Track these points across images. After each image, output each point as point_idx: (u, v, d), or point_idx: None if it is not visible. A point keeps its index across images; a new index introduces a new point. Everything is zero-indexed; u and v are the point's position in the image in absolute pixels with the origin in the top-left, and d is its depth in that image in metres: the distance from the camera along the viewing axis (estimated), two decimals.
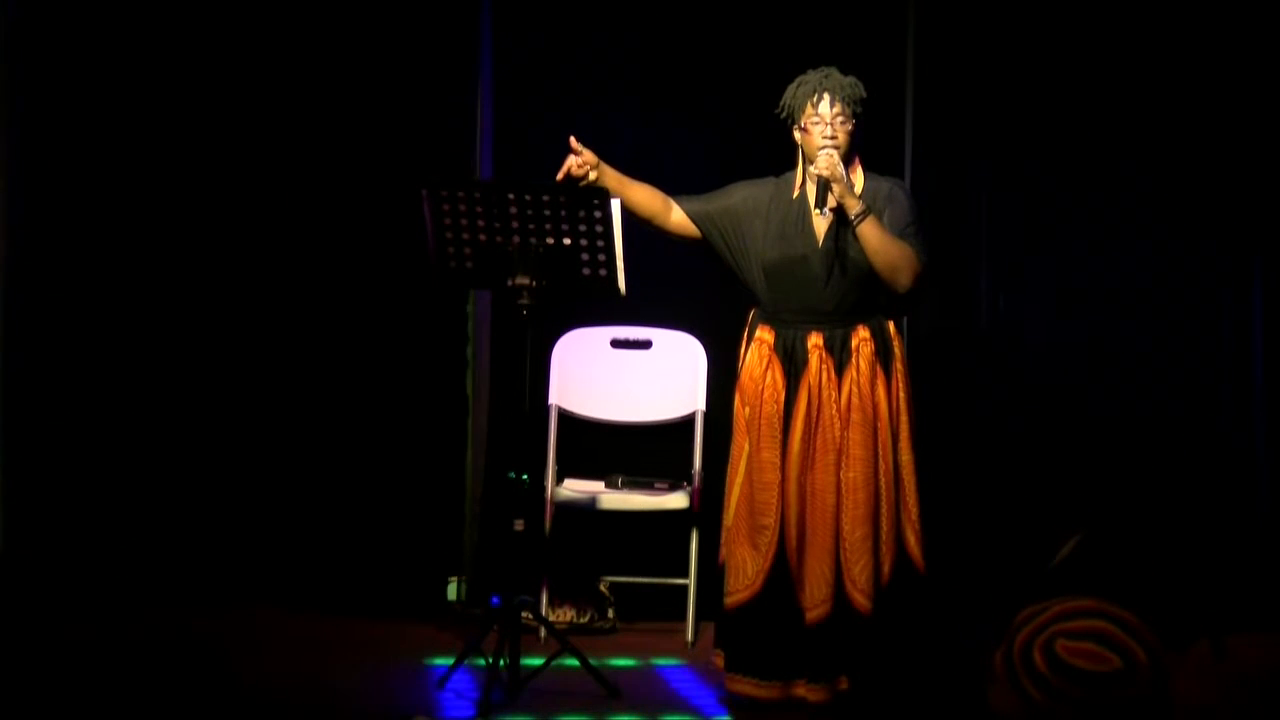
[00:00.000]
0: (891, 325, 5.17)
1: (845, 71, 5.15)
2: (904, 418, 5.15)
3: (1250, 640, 5.97)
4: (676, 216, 5.27)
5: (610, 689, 5.27)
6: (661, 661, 5.80)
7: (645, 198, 5.27)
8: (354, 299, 6.43)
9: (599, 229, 5.19)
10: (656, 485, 6.16)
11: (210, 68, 6.39)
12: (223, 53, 6.38)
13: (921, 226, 5.14)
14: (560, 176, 5.14)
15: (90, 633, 5.85)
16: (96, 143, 6.38)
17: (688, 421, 6.19)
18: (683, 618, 6.04)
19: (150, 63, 6.38)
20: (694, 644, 6.00)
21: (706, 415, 6.15)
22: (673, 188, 6.07)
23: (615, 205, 5.19)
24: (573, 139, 5.15)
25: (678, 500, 6.09)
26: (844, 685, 5.08)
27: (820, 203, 5.06)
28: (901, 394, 5.15)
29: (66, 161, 6.38)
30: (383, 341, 6.44)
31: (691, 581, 6.03)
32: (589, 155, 5.16)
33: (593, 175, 5.17)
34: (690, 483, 6.10)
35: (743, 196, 5.24)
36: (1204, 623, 6.01)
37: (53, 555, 6.32)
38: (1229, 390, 6.41)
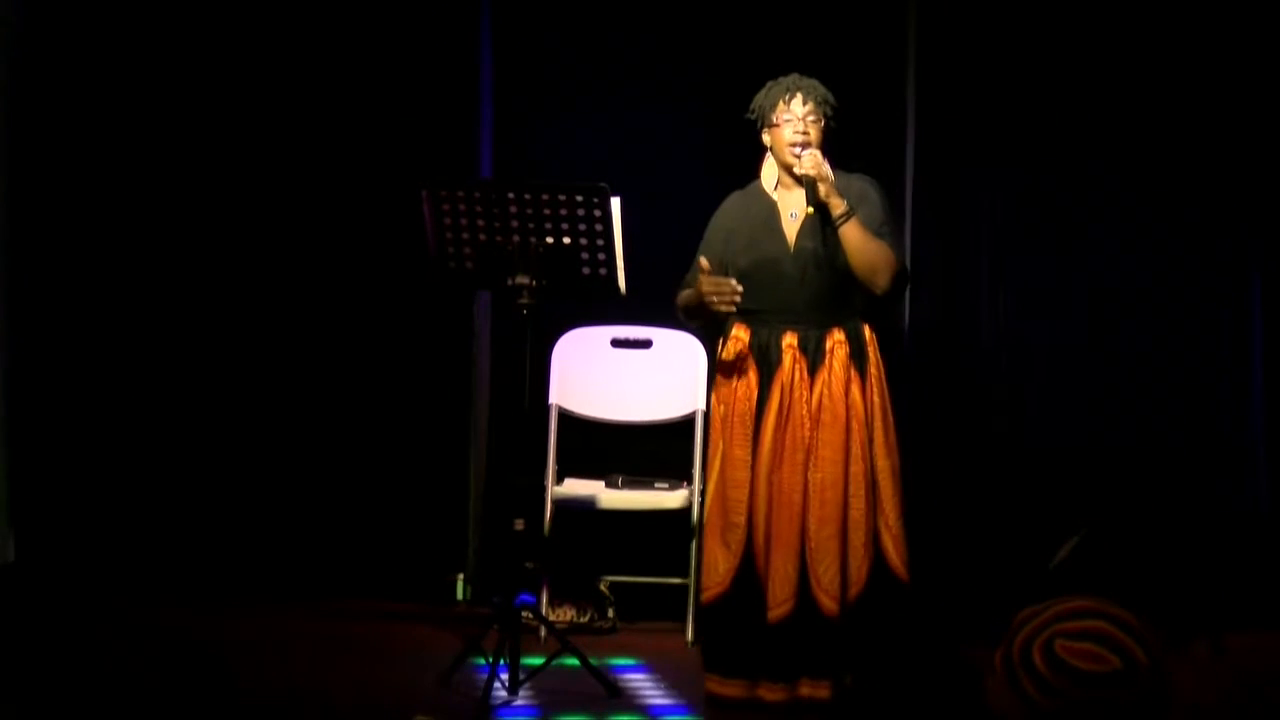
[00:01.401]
0: (867, 329, 5.17)
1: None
2: (879, 422, 5.13)
3: (1250, 640, 5.98)
4: None
5: (610, 688, 5.27)
6: (661, 661, 5.80)
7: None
8: (357, 299, 6.43)
9: (599, 228, 5.19)
10: (656, 485, 6.16)
11: (211, 68, 6.40)
12: (223, 53, 6.39)
13: (895, 225, 5.17)
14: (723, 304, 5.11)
15: (97, 632, 5.85)
16: (98, 143, 6.38)
17: (688, 421, 6.18)
18: (683, 617, 6.03)
19: (151, 62, 6.38)
20: (694, 643, 5.99)
21: (706, 415, 6.14)
22: (671, 185, 6.09)
23: (615, 204, 5.19)
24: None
25: (678, 499, 6.09)
26: (804, 688, 5.07)
27: (811, 201, 5.07)
28: (876, 398, 5.14)
29: (68, 163, 6.37)
30: (387, 341, 6.44)
31: (691, 581, 6.02)
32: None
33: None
34: (690, 482, 6.10)
35: (721, 234, 5.25)
36: (1204, 622, 6.02)
37: (56, 556, 6.32)
38: (1228, 390, 6.40)
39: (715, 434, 5.22)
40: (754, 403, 5.13)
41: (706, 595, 5.16)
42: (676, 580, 6.09)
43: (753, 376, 5.15)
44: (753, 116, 5.19)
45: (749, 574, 5.09)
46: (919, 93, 6.41)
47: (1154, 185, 6.37)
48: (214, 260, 6.44)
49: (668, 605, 6.14)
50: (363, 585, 6.38)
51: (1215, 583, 6.30)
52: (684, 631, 6.03)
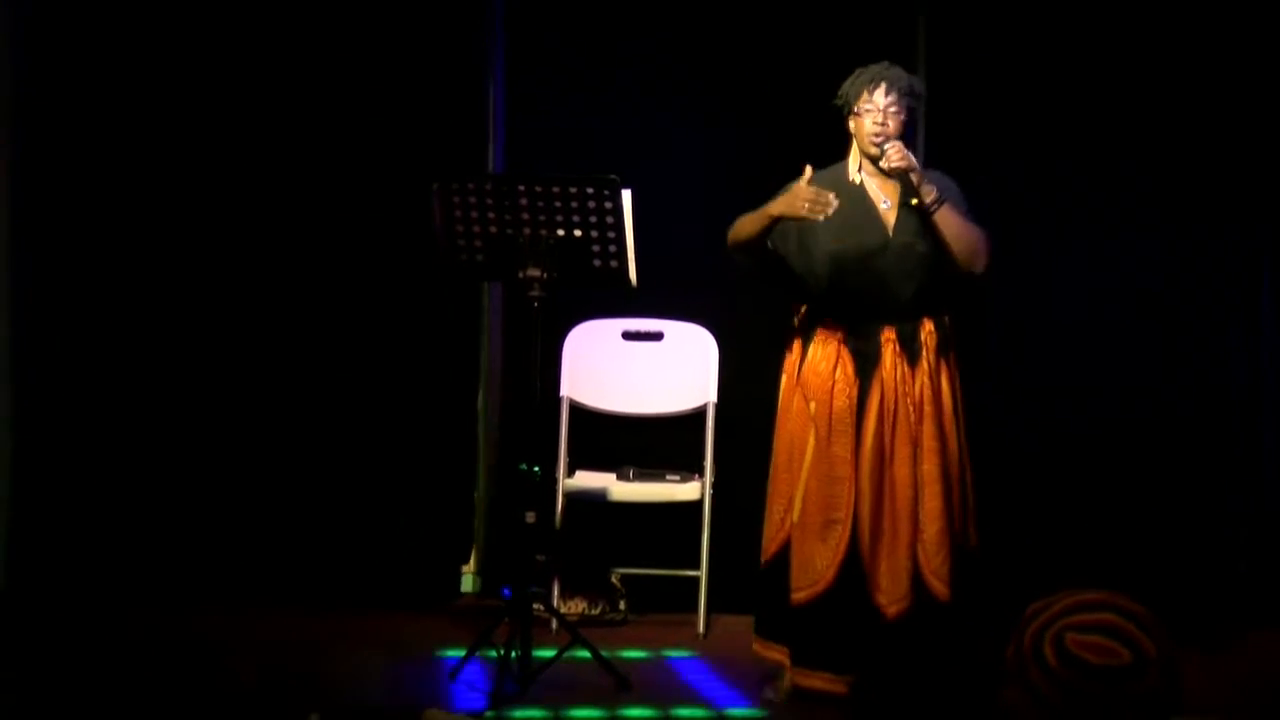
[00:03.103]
0: (948, 318, 5.18)
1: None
2: (960, 409, 5.17)
3: (1261, 637, 5.98)
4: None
5: (621, 681, 5.27)
6: (673, 653, 5.80)
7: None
8: (365, 293, 6.41)
9: (610, 220, 5.18)
10: (668, 477, 6.16)
11: (223, 63, 6.37)
12: (234, 48, 6.37)
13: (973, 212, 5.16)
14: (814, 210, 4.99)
15: (98, 630, 5.86)
16: (105, 141, 6.34)
17: (699, 413, 6.18)
18: (694, 609, 6.03)
19: (160, 59, 6.35)
20: (705, 636, 6.00)
21: (718, 407, 6.14)
22: (682, 177, 6.07)
23: (626, 196, 5.18)
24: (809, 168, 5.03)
25: (689, 492, 6.09)
26: None
27: (911, 193, 5.05)
28: (957, 385, 5.17)
29: (73, 158, 6.34)
30: (395, 335, 6.42)
31: (703, 573, 6.02)
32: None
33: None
34: (702, 474, 6.09)
35: None
36: (1214, 618, 6.01)
37: (54, 555, 6.29)
38: (1239, 388, 6.39)
39: (800, 430, 5.15)
40: (854, 399, 5.10)
41: (803, 594, 5.10)
42: (688, 572, 6.09)
43: (850, 373, 5.12)
44: (839, 103, 5.15)
45: (853, 570, 5.08)
46: (928, 91, 6.38)
47: (1163, 181, 6.35)
48: (222, 254, 6.41)
49: (679, 597, 6.13)
50: (373, 579, 6.37)
51: (1226, 579, 6.29)
52: (695, 623, 6.03)
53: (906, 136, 5.12)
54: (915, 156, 5.19)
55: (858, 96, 5.11)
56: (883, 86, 5.08)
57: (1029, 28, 6.33)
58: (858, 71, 5.16)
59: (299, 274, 6.40)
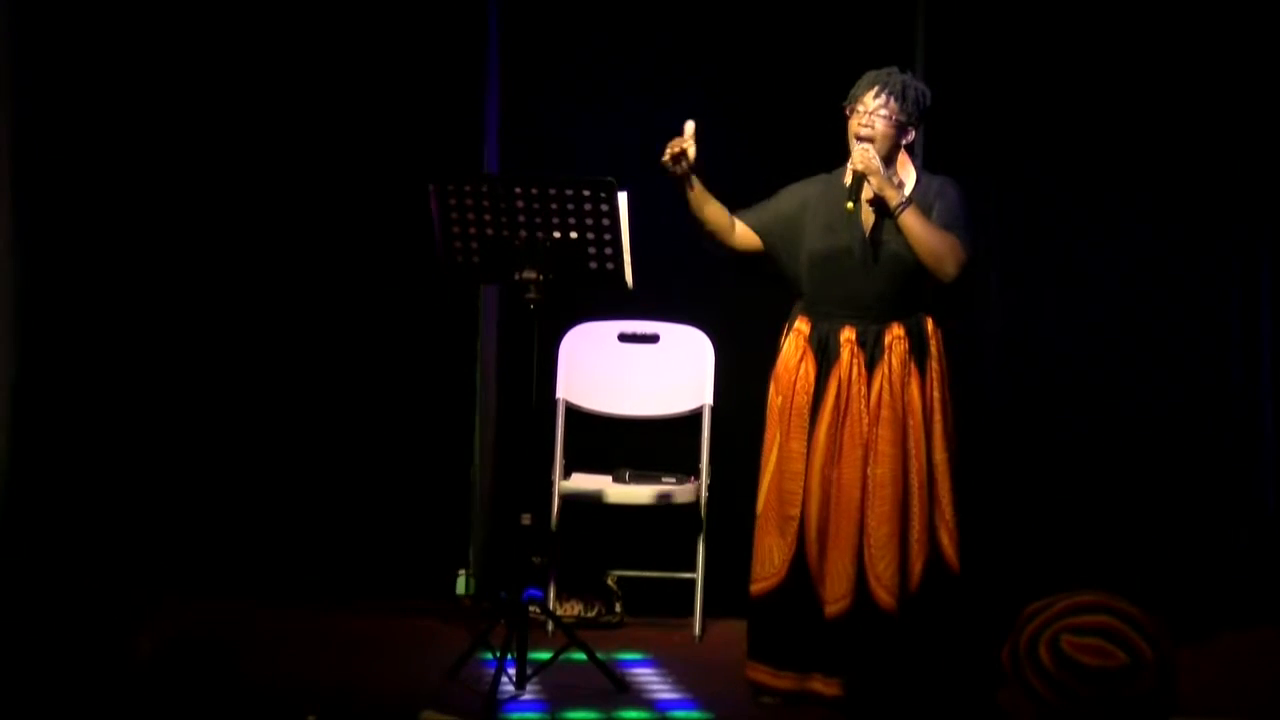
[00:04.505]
0: (930, 322, 5.16)
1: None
2: (938, 416, 5.14)
3: (1260, 636, 5.98)
4: (740, 231, 5.24)
5: (618, 683, 5.27)
6: (669, 656, 5.79)
7: (716, 214, 5.22)
8: (361, 294, 6.41)
9: (606, 222, 5.18)
10: (664, 479, 6.15)
11: (218, 64, 6.36)
12: (230, 49, 6.36)
13: (971, 221, 5.14)
14: (669, 156, 5.07)
15: (100, 631, 5.83)
16: (103, 142, 6.32)
17: (695, 416, 6.17)
18: (690, 612, 6.03)
19: (157, 59, 6.35)
20: (701, 638, 5.99)
21: (714, 409, 6.14)
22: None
23: (622, 198, 5.18)
24: (690, 123, 5.07)
25: (685, 494, 6.08)
26: None
27: (852, 195, 5.06)
28: (935, 392, 5.14)
29: (70, 157, 6.33)
30: (391, 337, 6.42)
31: (699, 576, 6.02)
32: (692, 148, 5.08)
33: (684, 166, 5.09)
34: (698, 477, 6.09)
35: (794, 199, 5.23)
36: (1214, 618, 6.01)
37: (62, 553, 6.29)
38: (1238, 386, 6.38)
39: (772, 425, 5.21)
40: (811, 396, 5.13)
41: (760, 587, 5.16)
42: (684, 575, 6.08)
43: (811, 370, 5.14)
44: (844, 106, 5.17)
45: (801, 568, 5.10)
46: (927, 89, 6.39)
47: (1161, 180, 6.34)
48: (221, 255, 6.41)
49: (675, 600, 6.13)
50: (368, 581, 6.36)
51: (1224, 578, 6.29)
52: (691, 626, 6.02)
53: (900, 143, 5.12)
54: (913, 159, 5.21)
55: (853, 98, 5.14)
56: (873, 90, 5.10)
57: (1028, 28, 6.32)
58: (864, 74, 5.17)
59: (297, 276, 6.40)
